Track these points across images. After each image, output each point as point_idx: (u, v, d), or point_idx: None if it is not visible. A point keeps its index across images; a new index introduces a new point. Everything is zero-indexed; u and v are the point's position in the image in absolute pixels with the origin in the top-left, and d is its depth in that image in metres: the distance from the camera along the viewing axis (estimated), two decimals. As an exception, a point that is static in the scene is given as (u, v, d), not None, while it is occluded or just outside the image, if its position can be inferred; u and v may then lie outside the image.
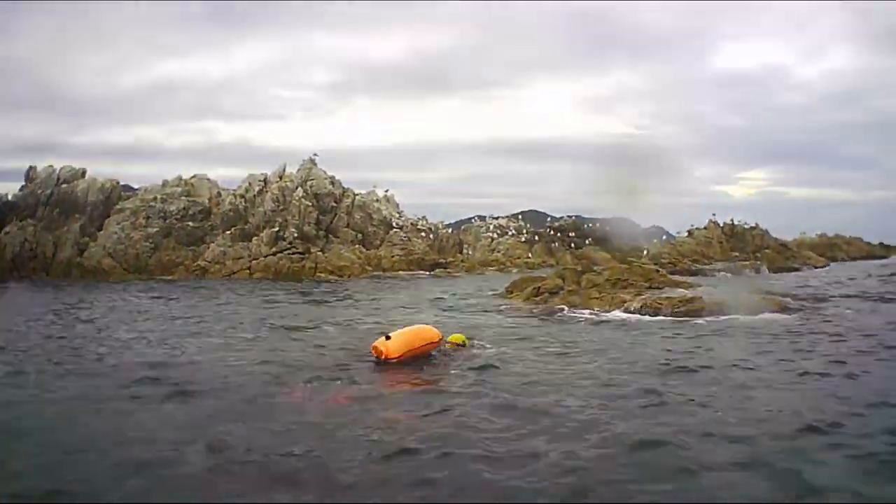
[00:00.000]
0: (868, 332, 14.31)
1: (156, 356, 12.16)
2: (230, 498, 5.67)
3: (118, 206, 42.31)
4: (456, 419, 7.73)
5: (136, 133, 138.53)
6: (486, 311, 20.03)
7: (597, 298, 21.03)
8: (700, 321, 17.05)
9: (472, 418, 7.74)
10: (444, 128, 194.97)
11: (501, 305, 21.72)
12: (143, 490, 5.76)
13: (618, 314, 18.90)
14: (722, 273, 40.67)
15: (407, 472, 6.13)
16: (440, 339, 12.25)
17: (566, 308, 20.11)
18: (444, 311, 20.50)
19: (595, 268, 27.80)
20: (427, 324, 13.75)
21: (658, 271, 24.51)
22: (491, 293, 25.66)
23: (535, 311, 19.90)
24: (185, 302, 23.79)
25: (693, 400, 8.52)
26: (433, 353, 11.98)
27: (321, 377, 10.09)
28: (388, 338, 11.43)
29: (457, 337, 13.02)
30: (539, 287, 22.88)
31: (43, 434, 7.26)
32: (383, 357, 11.22)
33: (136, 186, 46.42)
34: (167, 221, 40.99)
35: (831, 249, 66.17)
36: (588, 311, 19.60)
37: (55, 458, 6.47)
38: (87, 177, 43.81)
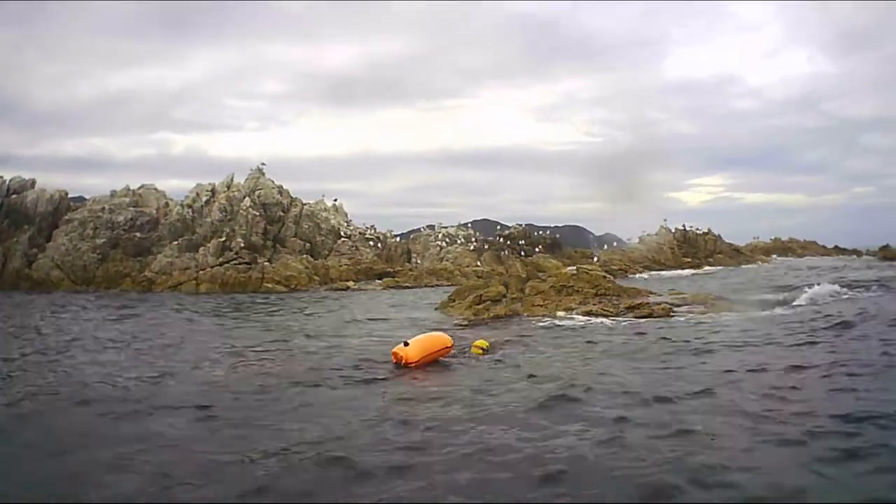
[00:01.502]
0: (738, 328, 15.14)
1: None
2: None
3: (67, 217, 42.54)
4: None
5: (91, 144, 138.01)
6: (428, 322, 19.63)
7: (540, 306, 21.25)
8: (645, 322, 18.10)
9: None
10: (396, 137, 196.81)
11: (443, 316, 21.62)
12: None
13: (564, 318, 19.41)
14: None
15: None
16: (452, 345, 13.43)
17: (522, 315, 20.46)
18: (387, 324, 20.23)
19: (540, 275, 27.92)
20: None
21: (605, 277, 24.40)
22: (430, 305, 25.47)
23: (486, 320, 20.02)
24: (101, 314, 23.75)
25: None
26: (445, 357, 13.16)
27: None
28: (406, 344, 12.53)
29: (481, 342, 14.17)
30: (481, 295, 22.43)
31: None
32: (403, 362, 12.31)
33: (88, 198, 46.62)
34: (115, 232, 41.26)
35: (785, 253, 68.52)
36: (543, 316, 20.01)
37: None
38: (36, 187, 43.97)
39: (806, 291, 22.29)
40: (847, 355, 11.39)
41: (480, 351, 13.79)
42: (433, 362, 12.73)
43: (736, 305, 20.82)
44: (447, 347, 13.28)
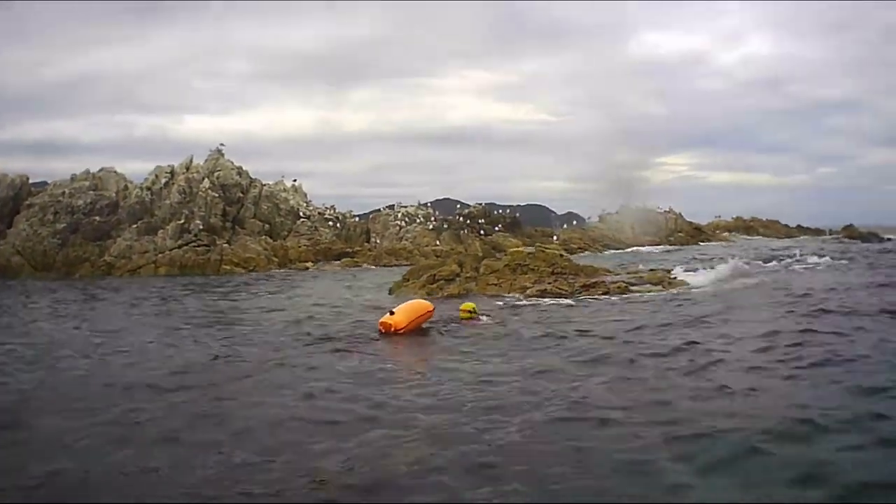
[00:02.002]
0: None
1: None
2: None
3: (27, 202, 42.73)
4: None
5: (54, 127, 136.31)
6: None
7: (495, 285, 21.41)
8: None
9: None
10: (360, 117, 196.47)
11: (396, 298, 20.56)
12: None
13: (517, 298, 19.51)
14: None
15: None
16: (433, 309, 14.46)
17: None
18: (342, 306, 20.10)
19: (497, 254, 28.27)
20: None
21: (562, 256, 24.54)
22: (386, 285, 25.16)
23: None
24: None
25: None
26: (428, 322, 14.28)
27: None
28: (392, 313, 13.41)
29: (468, 305, 15.25)
30: (435, 275, 22.51)
31: None
32: (392, 329, 13.22)
33: (51, 182, 46.68)
34: (75, 217, 41.48)
35: (748, 232, 66.37)
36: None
37: None
38: (-3, 172, 44.12)
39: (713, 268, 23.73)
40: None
41: (468, 314, 14.87)
42: (418, 326, 13.82)
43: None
44: (429, 312, 14.33)
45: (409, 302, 14.94)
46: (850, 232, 60.30)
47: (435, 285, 21.93)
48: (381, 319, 13.61)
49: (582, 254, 44.60)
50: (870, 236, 54.61)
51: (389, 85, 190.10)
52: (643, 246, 52.97)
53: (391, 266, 39.43)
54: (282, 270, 38.89)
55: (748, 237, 63.60)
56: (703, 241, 57.99)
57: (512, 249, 28.61)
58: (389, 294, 22.84)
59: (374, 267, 40.25)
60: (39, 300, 24.71)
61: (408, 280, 23.68)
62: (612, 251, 48.90)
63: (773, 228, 67.07)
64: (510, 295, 20.38)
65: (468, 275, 22.63)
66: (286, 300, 22.79)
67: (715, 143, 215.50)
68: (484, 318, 15.14)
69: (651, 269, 25.45)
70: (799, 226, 69.78)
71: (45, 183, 46.16)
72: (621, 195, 65.44)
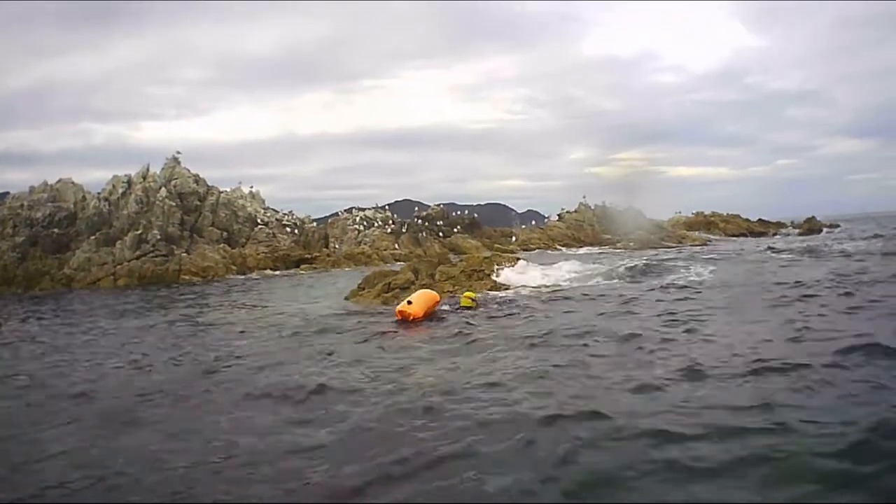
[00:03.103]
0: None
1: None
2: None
3: (-14, 216, 43.05)
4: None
5: (14, 137, 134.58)
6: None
7: (450, 292, 20.95)
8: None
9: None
10: (317, 120, 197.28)
11: (353, 305, 20.48)
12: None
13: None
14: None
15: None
16: (440, 299, 16.47)
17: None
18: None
19: (453, 258, 28.15)
20: None
21: (519, 260, 24.93)
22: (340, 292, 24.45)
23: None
24: None
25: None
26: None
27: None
28: (409, 303, 15.03)
29: (469, 294, 17.15)
30: (390, 283, 22.10)
31: None
32: (410, 317, 14.76)
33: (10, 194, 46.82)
34: (34, 230, 41.82)
35: (708, 227, 64.79)
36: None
37: None
38: (-48, 184, 44.32)
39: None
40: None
41: (470, 301, 16.57)
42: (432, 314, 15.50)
43: None
44: (437, 301, 16.18)
45: (421, 292, 16.62)
46: (812, 224, 61.82)
47: (390, 294, 21.44)
48: (399, 308, 15.26)
49: (533, 251, 45.78)
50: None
51: (344, 87, 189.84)
52: (603, 245, 52.96)
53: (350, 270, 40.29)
54: (241, 278, 39.60)
55: (708, 236, 59.76)
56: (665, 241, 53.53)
57: (466, 256, 28.94)
58: (344, 299, 22.41)
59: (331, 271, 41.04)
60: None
61: (363, 288, 23.18)
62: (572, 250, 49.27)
63: (733, 223, 65.28)
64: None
65: (423, 282, 22.25)
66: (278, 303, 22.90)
67: (670, 138, 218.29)
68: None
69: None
70: (760, 219, 68.43)
71: (6, 193, 46.42)
72: (578, 192, 65.61)
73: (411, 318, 14.80)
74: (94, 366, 12.28)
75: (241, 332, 15.86)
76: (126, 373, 11.53)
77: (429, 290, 16.96)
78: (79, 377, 11.33)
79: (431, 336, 13.10)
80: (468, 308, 16.35)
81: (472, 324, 14.15)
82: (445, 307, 16.91)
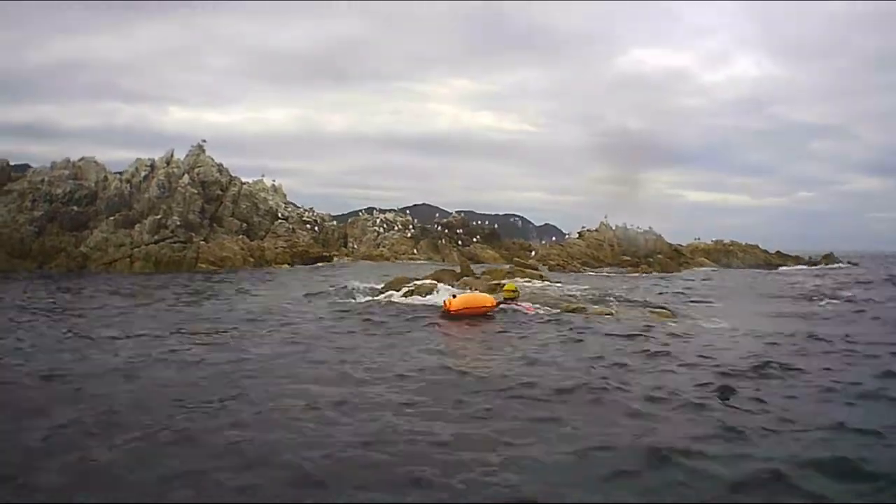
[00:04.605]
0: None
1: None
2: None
3: (6, 188, 42.48)
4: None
5: (38, 111, 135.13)
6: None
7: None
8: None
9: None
10: (342, 118, 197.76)
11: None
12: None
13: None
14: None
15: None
16: (493, 305, 16.71)
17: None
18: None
19: (476, 269, 27.78)
20: None
21: (542, 277, 24.95)
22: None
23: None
24: None
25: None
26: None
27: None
28: (454, 297, 16.63)
29: (511, 286, 18.31)
30: (413, 289, 21.77)
31: None
32: (450, 310, 15.96)
33: (34, 166, 46.36)
34: (53, 205, 41.31)
35: (727, 256, 63.26)
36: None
37: None
38: (-24, 155, 43.88)
39: None
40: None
41: (511, 293, 17.57)
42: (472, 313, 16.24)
43: None
44: (487, 306, 16.54)
45: (472, 293, 17.69)
46: (830, 260, 60.92)
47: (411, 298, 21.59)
48: (445, 299, 16.73)
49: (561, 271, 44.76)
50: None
51: (371, 88, 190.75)
52: (622, 267, 51.62)
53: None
54: (258, 271, 39.02)
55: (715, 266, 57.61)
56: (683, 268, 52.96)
57: (490, 266, 28.67)
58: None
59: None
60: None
61: (386, 290, 22.90)
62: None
63: (751, 253, 63.70)
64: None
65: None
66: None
67: (694, 161, 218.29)
68: (526, 304, 17.46)
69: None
70: (778, 252, 66.18)
71: (28, 166, 45.94)
72: (599, 210, 64.30)
73: (452, 311, 15.90)
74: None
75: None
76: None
77: (485, 295, 17.52)
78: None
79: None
80: (511, 299, 17.37)
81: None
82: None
